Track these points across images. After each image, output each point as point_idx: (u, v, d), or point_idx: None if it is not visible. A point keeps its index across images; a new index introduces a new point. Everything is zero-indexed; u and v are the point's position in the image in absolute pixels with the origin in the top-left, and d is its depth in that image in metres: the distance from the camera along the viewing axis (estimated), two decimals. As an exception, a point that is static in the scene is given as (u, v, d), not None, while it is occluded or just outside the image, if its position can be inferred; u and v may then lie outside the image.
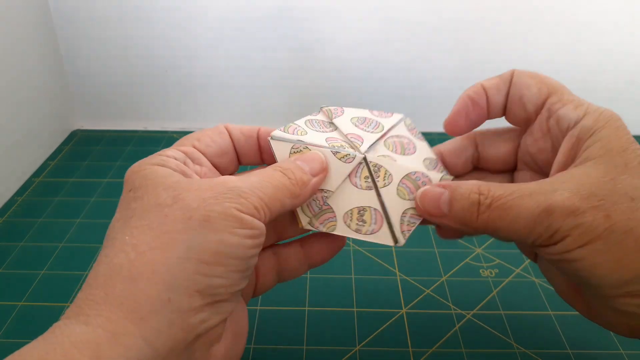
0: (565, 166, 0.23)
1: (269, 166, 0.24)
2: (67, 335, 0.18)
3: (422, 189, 0.25)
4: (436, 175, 0.27)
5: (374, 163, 0.26)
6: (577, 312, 0.33)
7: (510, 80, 0.26)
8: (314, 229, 0.26)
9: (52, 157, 0.52)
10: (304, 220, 0.25)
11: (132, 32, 0.52)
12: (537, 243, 0.22)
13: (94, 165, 0.50)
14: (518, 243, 0.28)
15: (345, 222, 0.25)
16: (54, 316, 0.33)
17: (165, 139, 0.54)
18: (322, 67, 0.53)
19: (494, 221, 0.22)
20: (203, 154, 0.25)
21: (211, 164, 0.26)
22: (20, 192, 0.46)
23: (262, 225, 0.21)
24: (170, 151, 0.24)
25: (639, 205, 0.21)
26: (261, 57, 0.53)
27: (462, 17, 0.50)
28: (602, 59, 0.52)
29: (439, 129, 0.63)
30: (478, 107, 0.27)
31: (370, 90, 0.55)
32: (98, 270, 0.20)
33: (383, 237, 0.25)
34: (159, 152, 0.24)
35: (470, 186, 0.23)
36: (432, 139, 0.54)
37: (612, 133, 0.22)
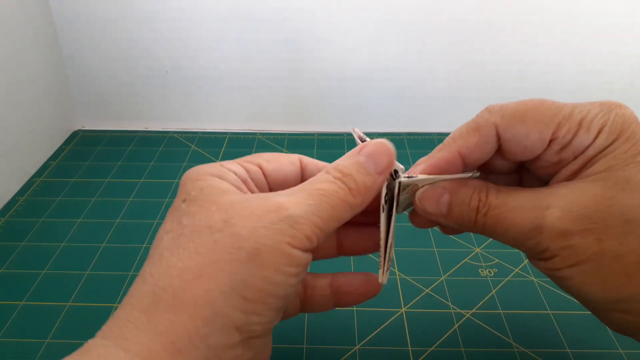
0: (567, 180, 0.22)
1: (329, 172, 0.22)
2: (105, 359, 0.18)
3: (422, 189, 0.24)
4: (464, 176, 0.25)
5: (405, 184, 0.24)
6: (575, 312, 0.33)
7: (495, 137, 0.23)
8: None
9: (53, 157, 0.52)
10: (384, 277, 0.24)
11: (133, 34, 0.52)
12: (528, 255, 0.23)
13: (95, 165, 0.50)
14: None
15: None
16: (55, 316, 0.33)
17: (166, 139, 0.54)
18: (322, 68, 0.53)
19: (489, 228, 0.23)
20: (266, 176, 0.24)
21: (269, 189, 0.24)
22: (21, 192, 0.46)
23: (309, 259, 0.21)
24: (233, 165, 0.23)
25: (633, 229, 0.20)
26: (261, 58, 0.53)
27: (461, 18, 0.50)
28: (602, 60, 0.52)
29: (439, 129, 0.62)
30: (450, 170, 0.24)
31: (370, 91, 0.55)
32: (143, 289, 0.19)
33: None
34: (220, 162, 0.23)
35: (470, 191, 0.23)
36: (432, 139, 0.55)
37: (619, 146, 0.21)
